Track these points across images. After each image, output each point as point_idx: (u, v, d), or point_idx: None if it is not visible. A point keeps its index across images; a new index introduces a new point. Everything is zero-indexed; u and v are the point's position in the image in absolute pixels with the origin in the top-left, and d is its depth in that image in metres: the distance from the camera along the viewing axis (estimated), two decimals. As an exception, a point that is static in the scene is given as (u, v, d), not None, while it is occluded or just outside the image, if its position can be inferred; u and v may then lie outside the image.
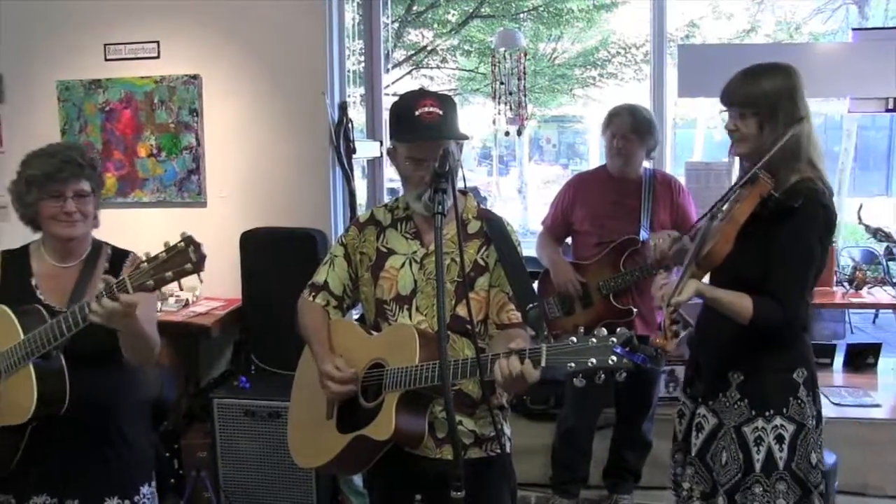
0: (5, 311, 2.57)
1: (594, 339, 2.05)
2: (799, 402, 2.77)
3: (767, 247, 2.69)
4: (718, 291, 2.73)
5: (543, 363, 2.12)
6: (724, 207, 2.77)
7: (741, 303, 2.67)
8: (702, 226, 2.80)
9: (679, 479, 3.04)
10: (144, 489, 2.77)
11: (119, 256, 2.77)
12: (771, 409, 2.76)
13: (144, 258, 2.28)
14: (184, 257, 2.23)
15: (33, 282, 2.70)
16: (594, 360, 2.03)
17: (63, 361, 2.52)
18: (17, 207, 2.71)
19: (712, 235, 2.71)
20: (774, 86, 2.72)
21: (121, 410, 2.73)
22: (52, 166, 2.64)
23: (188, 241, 2.23)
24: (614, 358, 2.02)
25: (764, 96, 2.71)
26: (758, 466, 2.75)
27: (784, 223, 2.67)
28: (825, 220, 2.72)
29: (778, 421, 2.75)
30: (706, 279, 2.82)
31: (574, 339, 2.08)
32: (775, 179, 2.67)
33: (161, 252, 2.25)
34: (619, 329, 2.07)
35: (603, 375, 2.05)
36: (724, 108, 2.83)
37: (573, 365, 2.06)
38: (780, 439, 2.75)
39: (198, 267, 2.24)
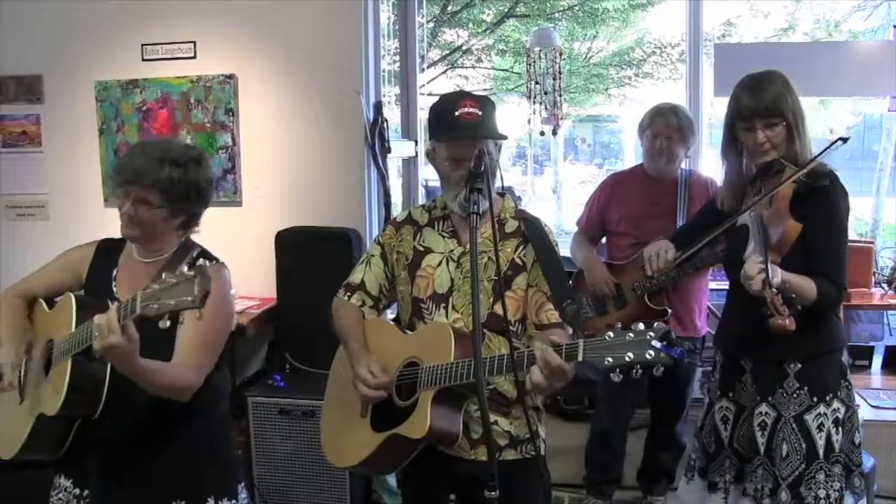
0: (70, 300, 2.54)
1: (631, 334, 2.04)
2: (847, 384, 2.87)
3: (803, 229, 2.76)
4: (790, 275, 2.73)
5: (580, 358, 2.11)
6: (763, 200, 2.82)
7: (808, 285, 2.74)
8: (754, 216, 2.81)
9: (729, 488, 3.04)
10: None
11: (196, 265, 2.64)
12: (830, 392, 2.84)
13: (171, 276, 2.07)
14: (187, 289, 2.02)
15: (114, 273, 2.66)
16: (631, 355, 2.02)
17: (108, 367, 2.40)
18: None
19: (771, 222, 2.76)
20: (783, 88, 2.84)
21: (163, 421, 2.57)
22: (120, 161, 2.59)
23: (198, 271, 2.03)
24: (652, 352, 2.00)
25: (784, 101, 2.82)
26: (821, 453, 2.81)
27: (815, 203, 2.79)
28: (846, 199, 2.87)
29: (836, 404, 2.84)
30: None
31: (611, 333, 2.06)
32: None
33: (171, 276, 2.07)
34: (656, 324, 2.05)
35: (640, 370, 2.03)
36: (743, 125, 2.89)
37: (610, 360, 2.04)
38: (837, 422, 2.83)
39: (197, 303, 2.01)
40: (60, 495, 2.68)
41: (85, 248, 2.76)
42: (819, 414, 2.81)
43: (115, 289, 2.63)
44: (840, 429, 2.83)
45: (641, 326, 2.04)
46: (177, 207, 2.58)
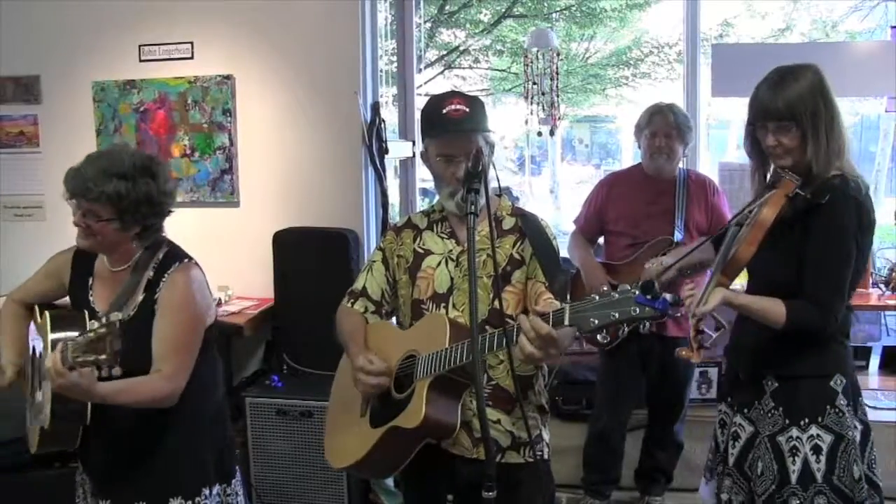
0: (46, 320, 2.57)
1: (616, 294, 2.01)
2: (837, 411, 2.65)
3: (800, 248, 2.62)
4: (747, 298, 2.68)
5: (567, 322, 2.09)
6: (753, 212, 2.68)
7: (773, 308, 2.60)
8: (730, 232, 2.72)
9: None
10: (175, 502, 2.64)
11: (166, 264, 2.63)
12: (805, 417, 2.66)
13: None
14: (100, 346, 2.11)
15: (90, 281, 2.70)
16: (616, 314, 1.99)
17: None
18: None
19: (738, 242, 2.65)
20: (808, 89, 2.61)
21: (155, 421, 2.60)
22: (71, 173, 2.55)
23: (109, 328, 2.10)
24: (636, 309, 1.96)
25: (802, 104, 2.59)
26: (794, 478, 2.64)
27: (814, 222, 2.59)
28: (858, 214, 2.61)
29: (814, 430, 2.64)
30: (741, 286, 2.79)
31: (596, 296, 2.04)
32: (810, 179, 2.61)
33: (90, 331, 2.13)
34: (641, 281, 2.03)
35: (626, 329, 2.02)
36: (758, 124, 2.71)
37: (596, 321, 2.02)
38: (816, 450, 2.63)
39: (111, 361, 2.11)
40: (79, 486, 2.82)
41: (66, 254, 2.79)
42: (792, 437, 2.65)
43: (91, 299, 2.68)
44: (822, 457, 2.63)
45: (627, 286, 2.02)
46: (128, 220, 2.55)
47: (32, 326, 2.79)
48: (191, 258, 2.69)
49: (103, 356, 2.10)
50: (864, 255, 2.68)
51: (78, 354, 2.15)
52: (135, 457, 2.63)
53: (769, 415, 2.72)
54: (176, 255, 2.67)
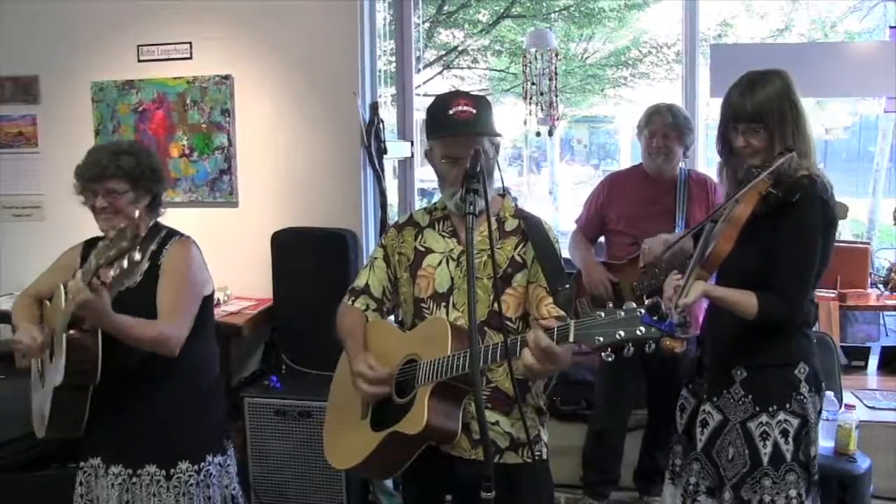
0: (60, 288, 2.81)
1: (622, 312, 2.01)
2: (801, 397, 2.81)
3: (769, 243, 2.75)
4: (723, 290, 2.79)
5: (571, 339, 2.09)
6: (727, 209, 2.80)
7: (746, 300, 2.74)
8: (706, 228, 2.82)
9: (677, 470, 3.09)
10: (183, 465, 2.91)
11: (168, 239, 2.96)
12: (774, 404, 2.81)
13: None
14: (122, 236, 2.41)
15: None
16: (622, 333, 1.99)
17: (99, 338, 2.71)
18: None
19: (715, 237, 2.76)
20: (776, 93, 2.76)
21: (158, 384, 2.89)
22: (83, 164, 2.88)
23: (129, 221, 2.52)
24: (642, 329, 1.98)
25: (770, 107, 2.74)
26: (765, 460, 2.79)
27: (784, 219, 2.73)
28: (824, 213, 2.75)
29: (782, 416, 2.80)
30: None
31: (602, 313, 2.04)
32: (779, 179, 2.72)
33: (113, 230, 2.48)
34: (647, 300, 2.04)
35: (632, 348, 2.01)
36: (729, 125, 2.85)
37: (601, 339, 2.02)
38: (785, 433, 2.79)
39: (131, 245, 2.40)
40: (88, 471, 2.99)
41: (74, 249, 3.06)
42: (762, 423, 2.79)
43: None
44: (790, 439, 2.78)
45: (632, 305, 2.02)
46: (140, 189, 2.90)
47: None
48: (189, 237, 3.03)
49: (124, 243, 2.40)
50: (828, 251, 2.82)
51: (101, 256, 2.44)
52: (142, 420, 2.89)
53: (740, 402, 2.85)
54: (176, 233, 3.02)
